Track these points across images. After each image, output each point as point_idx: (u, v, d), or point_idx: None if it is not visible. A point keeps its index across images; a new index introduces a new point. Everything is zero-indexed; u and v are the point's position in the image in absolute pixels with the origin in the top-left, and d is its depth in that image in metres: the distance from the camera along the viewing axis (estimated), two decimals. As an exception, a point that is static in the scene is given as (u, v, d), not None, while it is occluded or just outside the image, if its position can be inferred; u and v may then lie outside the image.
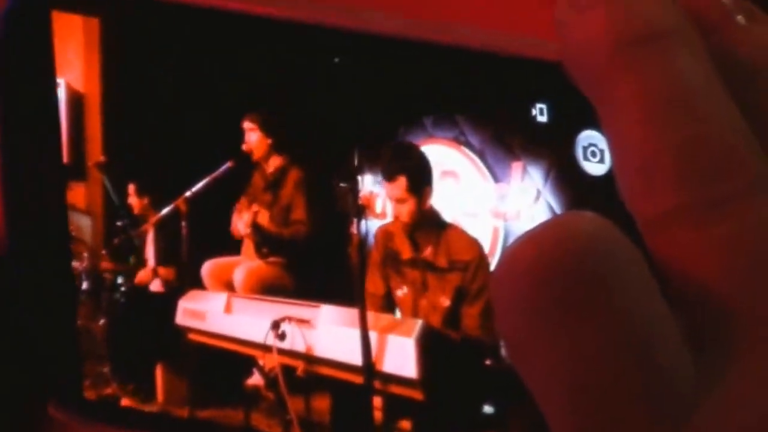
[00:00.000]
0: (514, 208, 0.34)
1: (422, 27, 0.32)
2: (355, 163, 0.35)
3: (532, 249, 0.23)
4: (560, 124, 0.32)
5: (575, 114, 0.31)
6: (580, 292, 0.23)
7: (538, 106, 0.32)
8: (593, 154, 0.32)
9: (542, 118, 0.32)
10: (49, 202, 0.38)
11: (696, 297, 0.24)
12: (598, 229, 0.24)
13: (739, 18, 0.28)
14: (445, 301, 0.35)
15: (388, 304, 0.36)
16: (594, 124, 0.30)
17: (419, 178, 0.35)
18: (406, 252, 0.36)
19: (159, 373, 0.39)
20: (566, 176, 0.33)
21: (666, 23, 0.25)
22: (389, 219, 0.36)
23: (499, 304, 0.24)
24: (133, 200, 0.39)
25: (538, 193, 0.33)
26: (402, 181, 0.35)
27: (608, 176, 0.28)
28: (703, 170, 0.24)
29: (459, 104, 0.33)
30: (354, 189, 0.35)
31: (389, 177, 0.35)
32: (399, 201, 0.36)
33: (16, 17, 0.37)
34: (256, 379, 0.38)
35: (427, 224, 0.36)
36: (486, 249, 0.35)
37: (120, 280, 0.39)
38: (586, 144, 0.32)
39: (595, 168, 0.32)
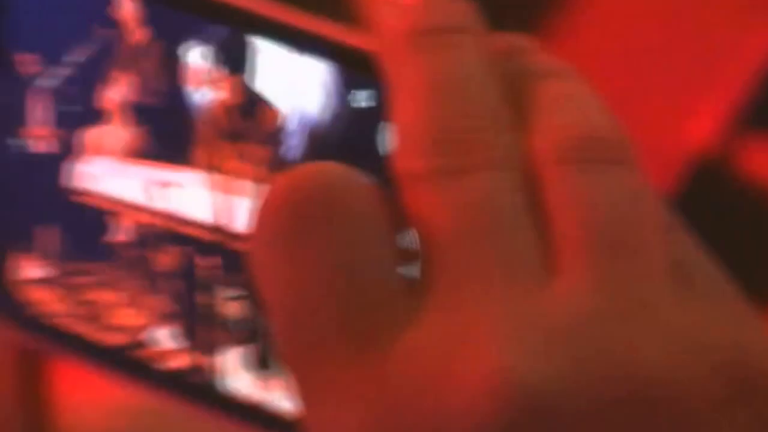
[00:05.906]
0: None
1: None
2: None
3: (275, 190, 0.29)
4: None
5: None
6: (305, 221, 0.28)
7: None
8: None
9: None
10: None
11: (426, 244, 0.29)
12: (333, 169, 0.29)
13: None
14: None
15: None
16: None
17: None
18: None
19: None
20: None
21: (460, 22, 0.31)
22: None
23: (252, 234, 0.29)
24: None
25: None
26: None
27: None
28: (450, 143, 0.29)
29: None
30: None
31: None
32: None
33: None
34: (121, 236, 0.41)
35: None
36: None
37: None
38: None
39: None
